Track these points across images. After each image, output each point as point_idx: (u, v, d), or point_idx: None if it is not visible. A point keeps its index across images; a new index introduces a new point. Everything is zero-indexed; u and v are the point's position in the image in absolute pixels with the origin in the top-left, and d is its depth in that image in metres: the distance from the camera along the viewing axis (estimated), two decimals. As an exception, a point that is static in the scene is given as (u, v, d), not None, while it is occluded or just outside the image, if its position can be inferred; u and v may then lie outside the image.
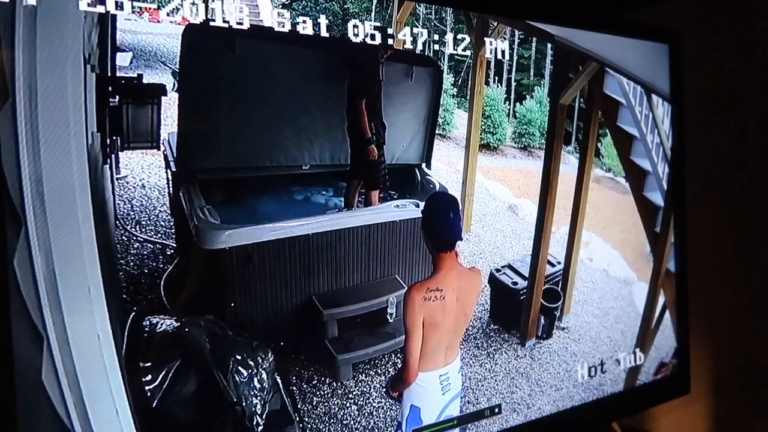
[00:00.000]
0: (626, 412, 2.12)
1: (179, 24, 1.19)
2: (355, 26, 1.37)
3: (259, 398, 1.32)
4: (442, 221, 1.47)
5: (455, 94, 1.83)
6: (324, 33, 1.33)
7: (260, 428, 1.31)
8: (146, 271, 1.34)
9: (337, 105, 1.66)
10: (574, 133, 1.96)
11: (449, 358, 1.53)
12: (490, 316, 1.83)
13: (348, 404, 1.53)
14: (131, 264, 1.34)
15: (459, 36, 1.55)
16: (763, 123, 2.04)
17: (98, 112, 1.12)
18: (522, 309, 1.87)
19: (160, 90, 1.24)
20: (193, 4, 1.18)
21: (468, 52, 1.59)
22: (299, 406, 1.44)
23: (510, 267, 1.85)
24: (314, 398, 1.48)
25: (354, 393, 1.55)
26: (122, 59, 1.20)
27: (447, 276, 1.47)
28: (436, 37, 1.54)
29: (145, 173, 1.38)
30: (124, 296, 1.26)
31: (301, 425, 1.42)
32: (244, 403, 1.29)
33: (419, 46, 1.49)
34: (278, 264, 1.47)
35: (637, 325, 2.04)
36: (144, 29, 1.19)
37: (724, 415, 2.26)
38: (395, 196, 1.78)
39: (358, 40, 1.38)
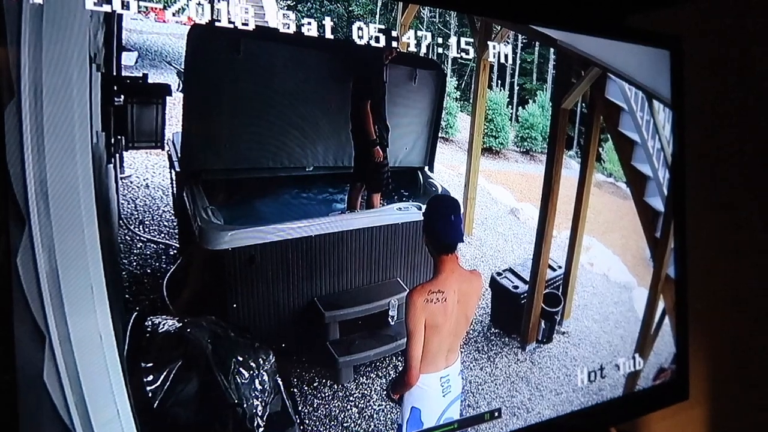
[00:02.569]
0: (625, 418, 2.13)
1: (185, 24, 1.19)
2: (359, 29, 1.37)
3: (260, 400, 1.31)
4: (443, 223, 1.48)
5: (458, 97, 1.83)
6: (329, 35, 1.34)
7: (261, 430, 1.30)
8: (149, 271, 1.34)
9: (341, 107, 1.66)
10: (575, 138, 1.97)
11: (450, 360, 1.53)
12: (490, 320, 1.83)
13: (349, 407, 1.53)
14: (134, 264, 1.34)
15: (463, 40, 1.56)
16: (763, 130, 2.05)
17: (103, 112, 1.12)
18: (523, 313, 1.87)
19: (164, 90, 1.24)
20: (199, 4, 1.18)
21: (471, 55, 1.59)
22: (300, 408, 1.44)
23: (511, 271, 1.85)
24: (315, 400, 1.48)
25: (355, 395, 1.55)
26: (128, 59, 1.20)
27: (448, 278, 1.47)
28: (440, 40, 1.54)
29: (149, 173, 1.37)
30: (127, 296, 1.26)
31: (301, 427, 1.42)
32: (245, 405, 1.28)
33: (423, 49, 1.49)
34: (280, 265, 1.47)
35: (636, 331, 2.05)
36: (150, 29, 1.19)
37: (721, 421, 2.26)
38: (405, 198, 1.77)
39: (363, 42, 1.38)
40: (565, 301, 1.95)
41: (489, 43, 1.64)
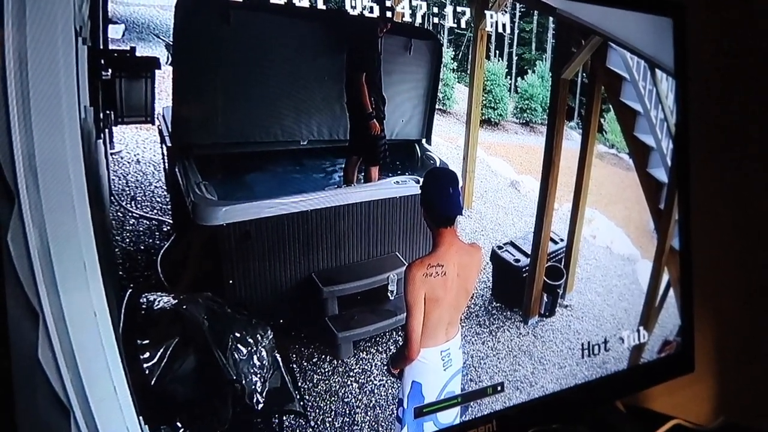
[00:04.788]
0: (630, 391, 2.12)
1: (172, -5, 1.17)
2: (352, -2, 1.34)
3: (258, 376, 1.31)
4: (441, 196, 1.46)
5: (455, 68, 1.80)
6: (321, 5, 1.31)
7: (260, 406, 1.30)
8: (142, 247, 1.32)
9: (335, 79, 1.64)
10: (576, 109, 1.94)
11: (450, 334, 1.52)
12: (492, 294, 1.81)
13: (349, 382, 1.52)
14: (127, 240, 1.33)
15: (459, 10, 1.53)
16: (768, 98, 2.02)
17: (91, 86, 1.10)
18: (524, 286, 1.86)
19: (153, 63, 1.22)
20: (187, -26, 1.15)
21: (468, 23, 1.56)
22: (300, 383, 1.43)
23: (512, 244, 1.83)
24: (315, 376, 1.47)
25: (355, 371, 1.54)
26: (114, 31, 1.18)
27: (448, 252, 1.46)
28: (436, 9, 1.51)
29: (139, 148, 1.35)
30: (121, 273, 1.25)
31: (301, 403, 1.41)
32: (243, 381, 1.28)
33: (418, 19, 1.46)
34: (277, 241, 1.45)
35: (640, 303, 2.03)
36: (136, 1, 1.16)
37: (729, 393, 2.25)
38: (407, 172, 1.75)
39: (356, 12, 1.35)
40: (568, 275, 1.94)
41: (486, 12, 1.60)
